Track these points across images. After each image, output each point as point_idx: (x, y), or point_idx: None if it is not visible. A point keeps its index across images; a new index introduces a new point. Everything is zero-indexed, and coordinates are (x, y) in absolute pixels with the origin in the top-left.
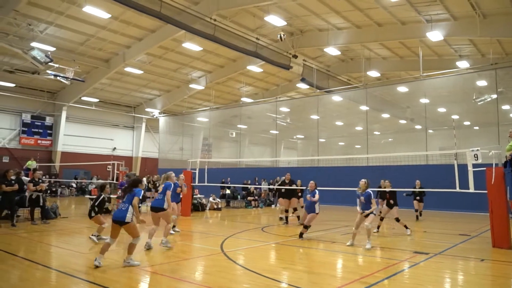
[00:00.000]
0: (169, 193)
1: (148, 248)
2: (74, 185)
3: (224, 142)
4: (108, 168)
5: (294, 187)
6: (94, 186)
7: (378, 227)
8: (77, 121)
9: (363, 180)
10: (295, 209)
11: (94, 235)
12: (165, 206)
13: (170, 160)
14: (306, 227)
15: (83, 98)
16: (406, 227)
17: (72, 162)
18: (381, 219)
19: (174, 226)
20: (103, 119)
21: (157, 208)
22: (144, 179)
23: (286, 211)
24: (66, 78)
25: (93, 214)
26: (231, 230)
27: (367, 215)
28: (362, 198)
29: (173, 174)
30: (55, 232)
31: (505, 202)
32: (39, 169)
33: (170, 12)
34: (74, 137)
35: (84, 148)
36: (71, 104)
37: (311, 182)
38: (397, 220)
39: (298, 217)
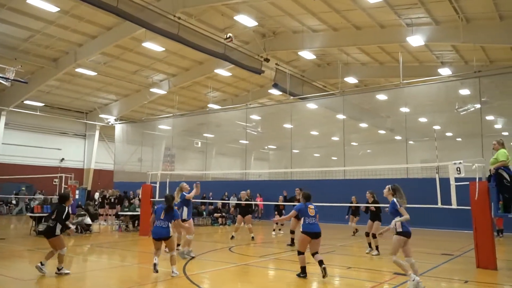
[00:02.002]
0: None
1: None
2: (13, 201)
3: (188, 152)
4: (55, 181)
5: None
6: (37, 202)
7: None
8: (19, 128)
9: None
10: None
11: (60, 268)
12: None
13: (128, 172)
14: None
15: (26, 102)
16: (374, 247)
17: (11, 175)
18: (367, 234)
19: (178, 245)
20: (50, 126)
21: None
22: (97, 193)
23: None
24: (6, 79)
25: (58, 231)
26: (195, 250)
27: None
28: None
29: (185, 184)
30: None
31: (489, 219)
32: None
33: (129, 7)
34: (15, 146)
35: (27, 159)
36: (12, 109)
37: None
38: (373, 236)
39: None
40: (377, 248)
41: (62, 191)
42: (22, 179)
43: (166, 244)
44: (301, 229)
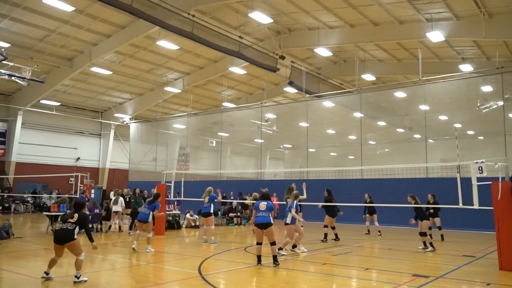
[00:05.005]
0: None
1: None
2: (30, 200)
3: (203, 152)
4: (71, 180)
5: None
6: (53, 201)
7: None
8: (35, 127)
9: None
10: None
11: (78, 276)
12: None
13: (142, 171)
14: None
15: (42, 102)
16: (428, 245)
17: (28, 174)
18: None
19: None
20: (66, 126)
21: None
22: (112, 193)
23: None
24: (23, 78)
25: (76, 236)
26: (210, 250)
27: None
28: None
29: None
30: (7, 254)
31: None
32: None
33: (143, 5)
34: (31, 146)
35: (43, 158)
36: (28, 108)
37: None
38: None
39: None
40: (431, 244)
41: (78, 197)
42: (39, 179)
43: (144, 227)
44: None
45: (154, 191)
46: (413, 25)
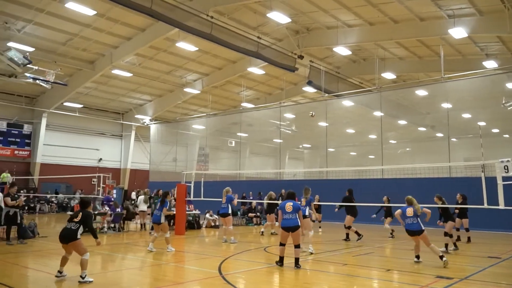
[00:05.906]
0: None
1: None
2: (54, 200)
3: (222, 152)
4: (93, 181)
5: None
6: (76, 201)
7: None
8: (59, 129)
9: None
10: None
11: (83, 276)
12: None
13: (163, 172)
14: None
15: (65, 104)
16: (452, 244)
17: (52, 175)
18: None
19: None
20: (88, 127)
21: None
22: (133, 193)
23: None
24: (47, 81)
25: (79, 235)
26: (230, 250)
27: None
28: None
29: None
30: (32, 253)
31: None
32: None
33: (162, 8)
34: (55, 147)
35: (66, 159)
36: (52, 111)
37: None
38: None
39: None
40: (454, 244)
41: (104, 197)
42: (62, 179)
43: (160, 228)
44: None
45: (174, 191)
46: (434, 21)
